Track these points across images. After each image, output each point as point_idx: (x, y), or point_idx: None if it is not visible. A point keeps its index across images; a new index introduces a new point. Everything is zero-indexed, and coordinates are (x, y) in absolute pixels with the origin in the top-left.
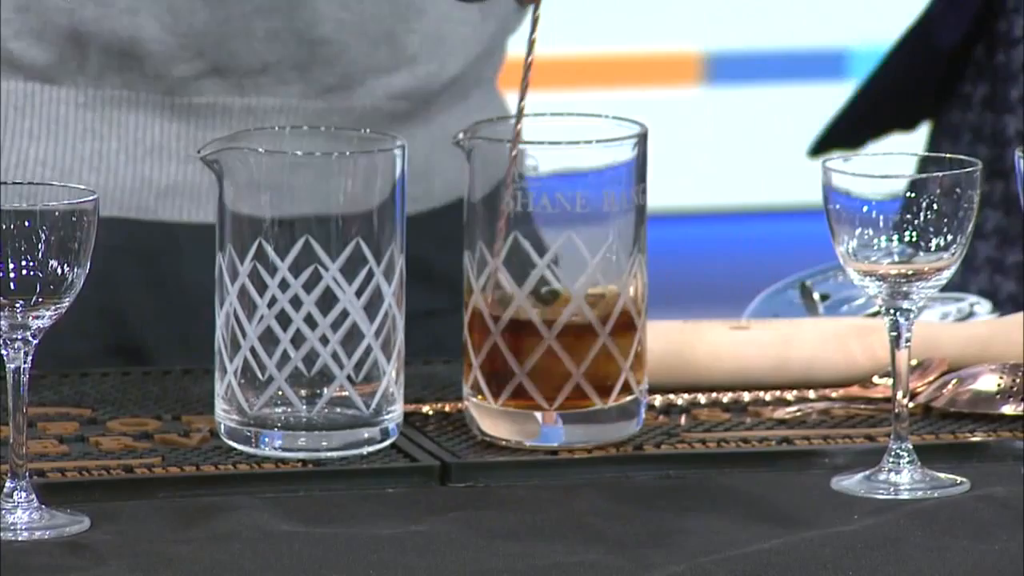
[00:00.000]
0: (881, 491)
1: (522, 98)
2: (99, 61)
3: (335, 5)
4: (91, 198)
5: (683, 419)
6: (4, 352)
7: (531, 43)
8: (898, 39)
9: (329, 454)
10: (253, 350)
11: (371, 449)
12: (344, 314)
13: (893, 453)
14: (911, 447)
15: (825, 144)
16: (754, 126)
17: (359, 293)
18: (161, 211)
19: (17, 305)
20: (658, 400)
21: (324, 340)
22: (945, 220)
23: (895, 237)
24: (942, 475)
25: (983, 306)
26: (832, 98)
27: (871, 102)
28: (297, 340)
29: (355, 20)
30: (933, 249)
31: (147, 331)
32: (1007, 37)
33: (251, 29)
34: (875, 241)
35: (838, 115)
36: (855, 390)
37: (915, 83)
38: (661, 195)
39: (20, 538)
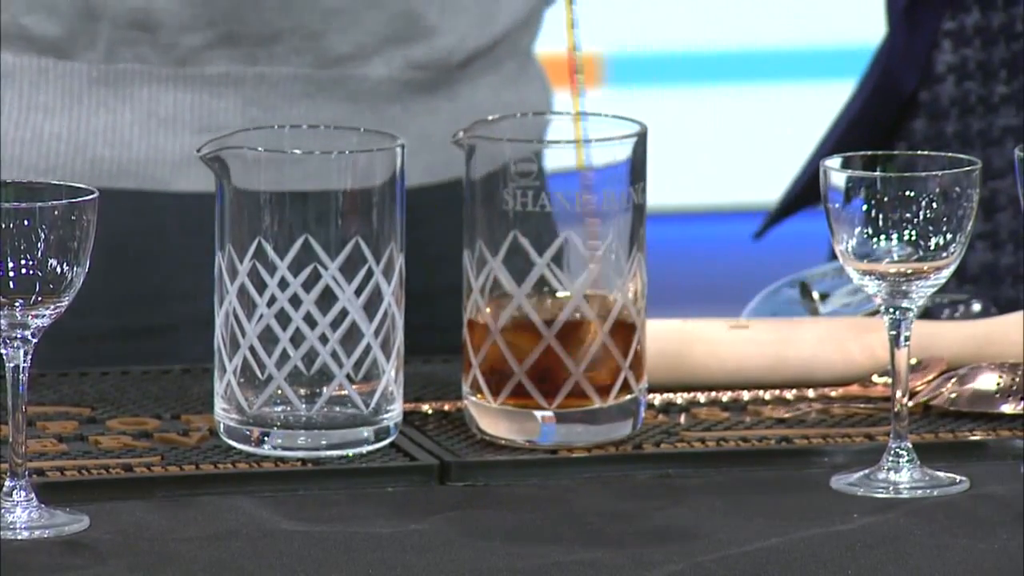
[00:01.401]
0: (880, 490)
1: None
2: (111, 34)
3: None
4: (90, 197)
5: (682, 418)
6: (4, 351)
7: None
8: (858, 90)
9: (328, 453)
10: (252, 349)
11: (370, 448)
12: (343, 313)
13: (892, 452)
14: (910, 446)
15: (792, 204)
16: (754, 125)
17: (358, 292)
18: (175, 182)
19: (16, 304)
20: (657, 399)
21: (323, 339)
22: (944, 219)
23: (894, 236)
24: (941, 474)
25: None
26: (836, 97)
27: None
28: (296, 339)
29: None
30: (932, 248)
31: (164, 305)
32: (930, 74)
33: None
34: (874, 240)
35: (803, 171)
36: (854, 389)
37: (881, 129)
38: (660, 194)
39: (19, 537)
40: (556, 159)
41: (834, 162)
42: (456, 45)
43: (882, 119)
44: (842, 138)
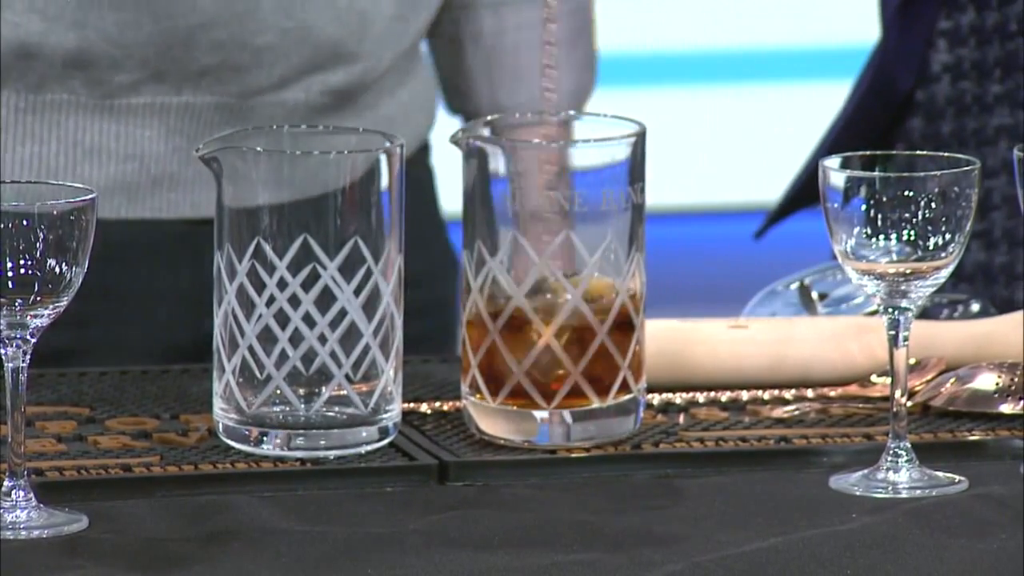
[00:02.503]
0: (879, 490)
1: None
2: (41, 71)
3: (280, 15)
4: (89, 197)
5: (681, 418)
6: (3, 351)
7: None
8: (854, 90)
9: (327, 453)
10: (251, 349)
11: (369, 448)
12: (342, 313)
13: (891, 452)
14: (909, 446)
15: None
16: (753, 125)
17: (357, 292)
18: (101, 210)
19: (16, 304)
20: (656, 399)
21: (322, 339)
22: (943, 219)
23: (893, 236)
24: (940, 474)
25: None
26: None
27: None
28: (295, 339)
29: (298, 28)
30: (931, 248)
31: (77, 332)
32: (926, 74)
33: (195, 41)
34: (873, 240)
35: (803, 170)
36: (853, 389)
37: (878, 128)
38: (659, 194)
39: (18, 537)
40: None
41: (833, 162)
42: (373, 67)
43: (877, 119)
44: (838, 138)
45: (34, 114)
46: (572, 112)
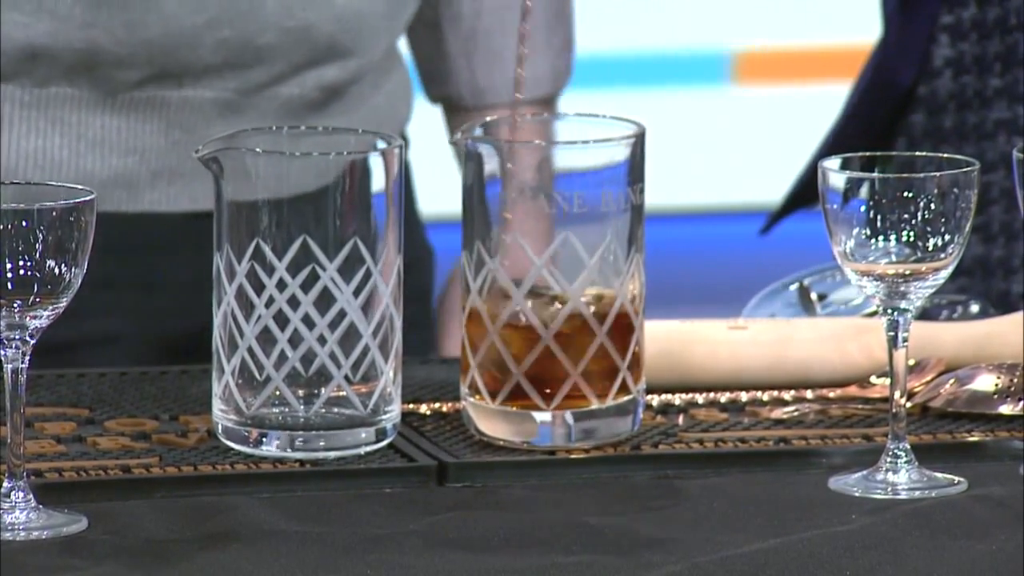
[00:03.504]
0: (879, 491)
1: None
2: (48, 69)
3: (281, 15)
4: (89, 198)
5: (681, 419)
6: (2, 352)
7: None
8: (856, 85)
9: (327, 454)
10: (251, 350)
11: (369, 449)
12: (342, 314)
13: (891, 453)
14: (908, 447)
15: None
16: (753, 126)
17: (356, 293)
18: (101, 203)
19: (15, 305)
20: (656, 400)
21: (322, 340)
22: (943, 220)
23: (892, 237)
24: (939, 475)
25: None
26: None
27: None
28: (295, 340)
29: (299, 27)
30: (931, 249)
31: (75, 324)
32: (928, 69)
33: (200, 40)
34: (872, 241)
35: (808, 166)
36: (852, 390)
37: (880, 124)
38: (659, 194)
39: (18, 538)
40: (555, 159)
41: (832, 163)
42: (366, 63)
43: (879, 114)
44: (841, 133)
45: (38, 109)
46: (574, 113)
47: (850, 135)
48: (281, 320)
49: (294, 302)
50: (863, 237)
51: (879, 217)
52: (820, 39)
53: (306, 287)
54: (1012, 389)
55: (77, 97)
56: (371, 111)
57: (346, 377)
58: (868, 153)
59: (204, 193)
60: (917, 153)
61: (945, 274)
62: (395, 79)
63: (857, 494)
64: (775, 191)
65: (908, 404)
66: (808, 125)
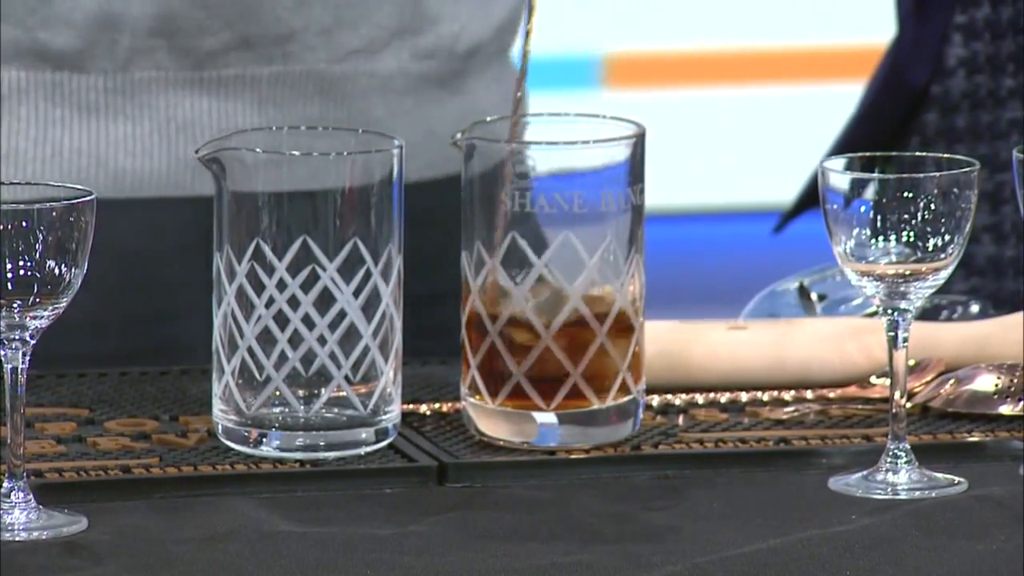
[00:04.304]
0: (879, 491)
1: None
2: (129, 43)
3: None
4: (88, 198)
5: (681, 419)
6: (2, 352)
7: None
8: (869, 84)
9: (327, 454)
10: (251, 350)
11: (369, 449)
12: (342, 314)
13: (891, 453)
14: (909, 447)
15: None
16: (754, 126)
17: (357, 293)
18: (198, 186)
19: (15, 305)
20: (656, 400)
21: (322, 340)
22: (943, 220)
23: (892, 237)
24: (940, 475)
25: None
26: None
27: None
28: (295, 340)
29: None
30: (931, 249)
31: (188, 308)
32: (942, 68)
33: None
34: (872, 241)
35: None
36: (852, 390)
37: (893, 123)
38: (658, 195)
39: (18, 538)
40: (555, 160)
41: (832, 164)
42: (458, 33)
43: (892, 113)
44: (853, 132)
45: (124, 94)
46: (574, 113)
47: (863, 134)
48: (281, 320)
49: (294, 302)
50: (863, 237)
51: (879, 217)
52: (829, 39)
53: (306, 287)
54: (1012, 389)
55: (163, 79)
56: (474, 111)
57: (346, 377)
58: (869, 154)
59: (305, 173)
60: (918, 153)
61: (945, 274)
62: (509, 90)
63: (857, 494)
64: (777, 191)
65: (908, 404)
66: (808, 125)
